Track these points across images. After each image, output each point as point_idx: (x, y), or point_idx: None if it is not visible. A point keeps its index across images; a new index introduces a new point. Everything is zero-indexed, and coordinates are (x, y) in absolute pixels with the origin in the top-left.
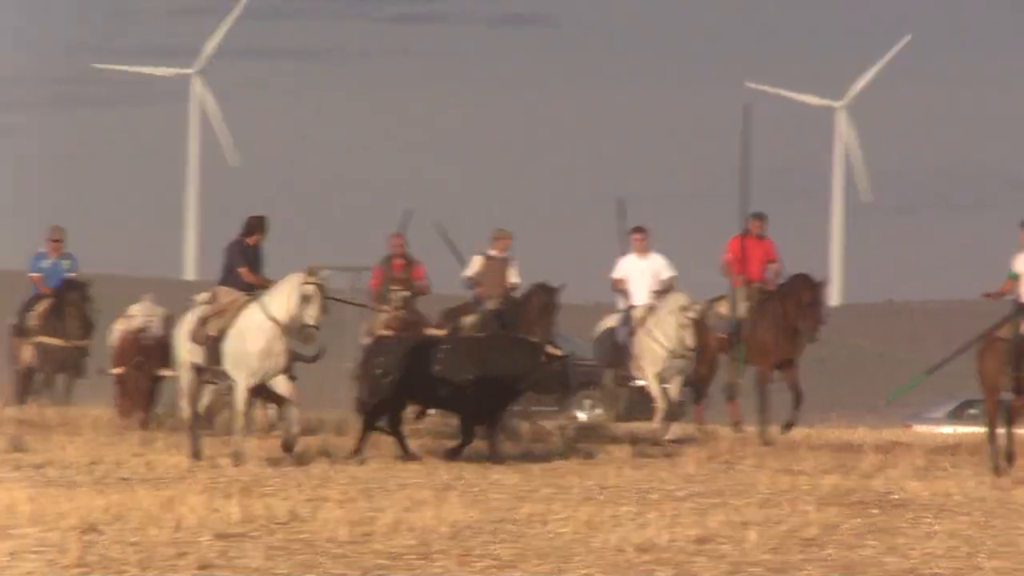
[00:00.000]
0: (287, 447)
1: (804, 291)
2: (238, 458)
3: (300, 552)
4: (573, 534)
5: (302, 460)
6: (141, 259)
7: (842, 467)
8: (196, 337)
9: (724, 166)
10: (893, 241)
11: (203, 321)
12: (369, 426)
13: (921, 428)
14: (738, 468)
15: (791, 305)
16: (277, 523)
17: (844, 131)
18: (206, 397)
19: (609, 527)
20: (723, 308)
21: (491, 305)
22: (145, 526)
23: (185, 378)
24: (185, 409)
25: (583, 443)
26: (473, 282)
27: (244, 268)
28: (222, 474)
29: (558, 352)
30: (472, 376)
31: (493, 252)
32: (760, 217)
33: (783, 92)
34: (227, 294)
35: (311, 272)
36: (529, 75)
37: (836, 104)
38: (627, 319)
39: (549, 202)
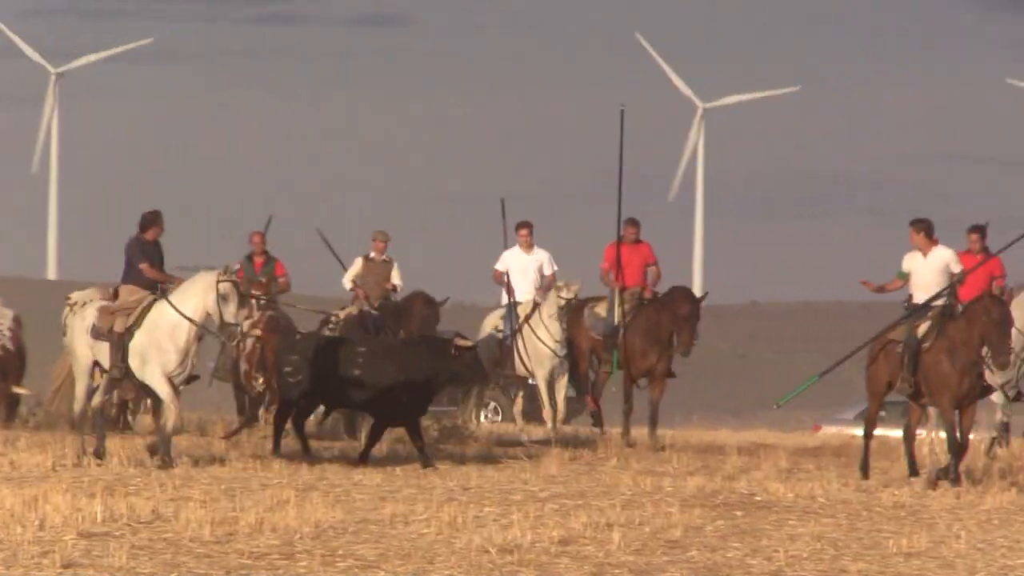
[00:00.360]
0: (153, 451)
1: (681, 304)
2: (163, 457)
3: (163, 551)
4: (436, 534)
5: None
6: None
7: (705, 469)
8: (98, 334)
9: (590, 167)
10: (754, 243)
11: (105, 318)
12: (280, 426)
13: (831, 429)
14: (601, 469)
15: (666, 317)
16: (141, 522)
17: (696, 133)
18: (98, 395)
19: (472, 528)
20: (601, 309)
21: (363, 307)
22: (9, 525)
23: (83, 376)
24: (78, 406)
25: (445, 444)
26: (353, 285)
27: (145, 264)
28: (86, 473)
29: (467, 343)
30: (391, 379)
31: (372, 254)
32: (634, 223)
33: (663, 64)
34: (130, 292)
35: (226, 270)
36: (387, 75)
37: (700, 103)
38: (511, 316)
39: (409, 201)
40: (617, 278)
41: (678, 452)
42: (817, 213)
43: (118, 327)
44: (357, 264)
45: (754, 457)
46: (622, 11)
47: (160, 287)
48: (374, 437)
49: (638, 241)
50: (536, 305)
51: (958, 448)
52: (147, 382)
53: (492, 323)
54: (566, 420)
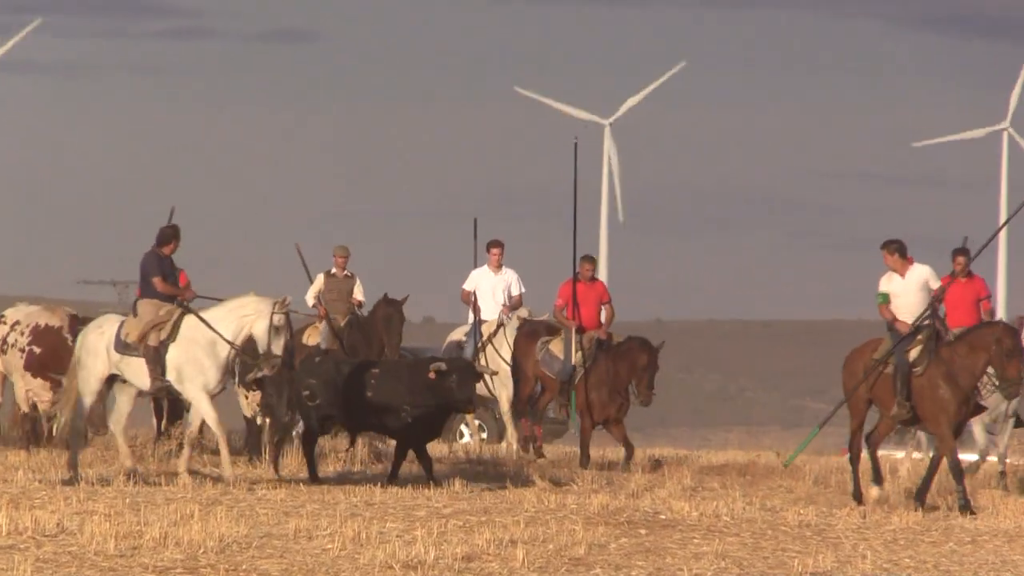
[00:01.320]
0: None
1: (639, 355)
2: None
3: (68, 565)
4: (340, 550)
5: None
6: None
7: (610, 486)
8: (125, 348)
9: (492, 182)
10: (659, 260)
11: (134, 332)
12: (310, 451)
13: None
14: (505, 486)
15: (624, 367)
16: (45, 535)
17: (608, 149)
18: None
19: (376, 543)
20: (556, 347)
21: (338, 323)
22: None
23: (92, 392)
24: (79, 420)
25: (350, 461)
26: (316, 302)
27: (158, 278)
28: None
29: (441, 367)
30: (410, 403)
31: (334, 270)
32: (590, 260)
33: (551, 102)
34: (155, 305)
35: (283, 302)
36: (294, 90)
37: (603, 121)
38: (475, 335)
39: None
40: (572, 316)
41: (582, 469)
42: (722, 230)
43: (152, 341)
44: (319, 281)
45: (658, 475)
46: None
47: (178, 300)
48: (400, 458)
49: (593, 279)
50: (500, 325)
51: (960, 473)
52: (187, 397)
53: (454, 339)
54: (546, 440)
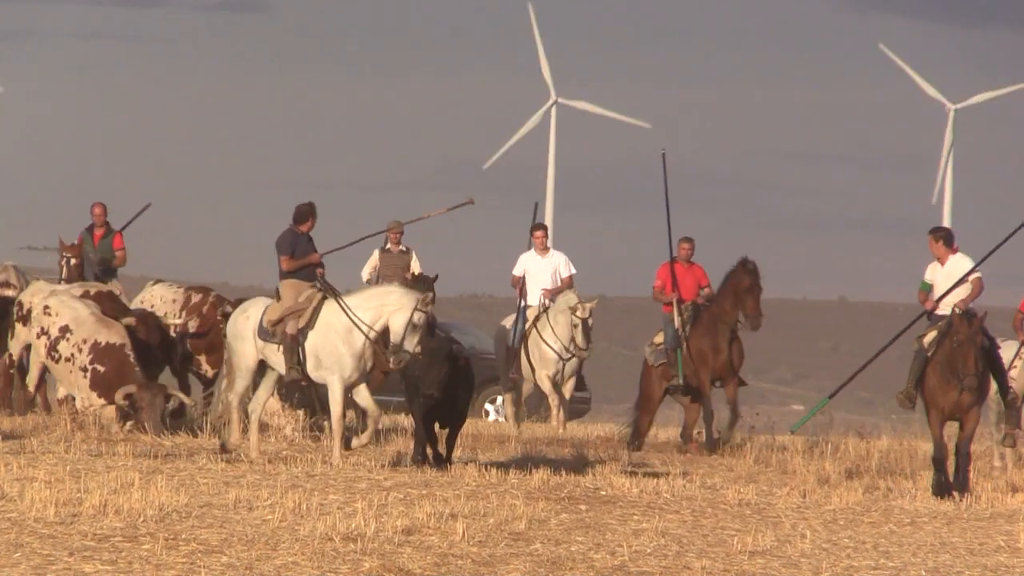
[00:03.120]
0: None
1: (741, 277)
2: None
3: (7, 531)
4: (280, 521)
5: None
6: None
7: (551, 462)
8: (266, 335)
9: (441, 156)
10: (604, 237)
11: (274, 320)
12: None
13: None
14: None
15: (728, 300)
16: None
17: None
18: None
19: (316, 515)
20: (658, 338)
21: None
22: None
23: (244, 376)
24: (235, 400)
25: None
26: (371, 280)
27: (285, 256)
28: None
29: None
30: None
31: (388, 245)
32: (689, 240)
33: (543, 60)
34: (295, 289)
35: (426, 301)
36: (246, 60)
37: (553, 97)
38: (520, 318)
39: (257, 189)
40: (673, 291)
41: (524, 444)
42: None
43: (290, 329)
44: (374, 257)
45: (600, 451)
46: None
47: (319, 283)
48: (452, 443)
49: (691, 262)
50: (545, 308)
51: (954, 458)
52: (323, 383)
53: (505, 324)
54: (568, 420)
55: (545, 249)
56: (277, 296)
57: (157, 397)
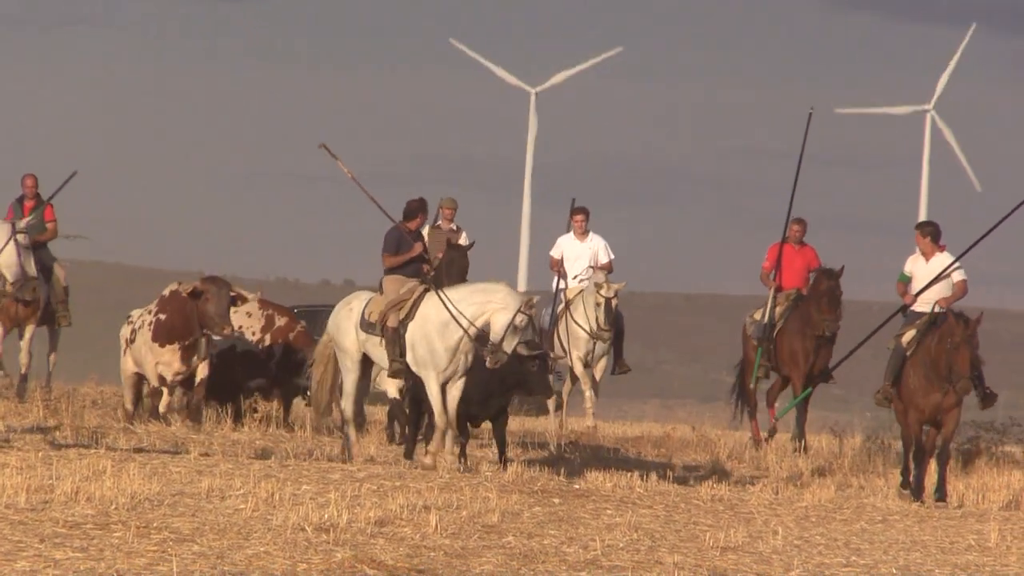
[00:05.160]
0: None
1: (820, 281)
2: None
3: None
4: (252, 511)
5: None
6: None
7: (525, 455)
8: (369, 328)
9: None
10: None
11: (376, 312)
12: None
13: None
14: (420, 452)
15: (812, 304)
16: None
17: (534, 120)
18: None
19: (289, 505)
20: (758, 314)
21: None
22: None
23: (352, 370)
24: (347, 402)
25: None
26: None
27: (386, 254)
28: None
29: (533, 351)
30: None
31: (440, 222)
32: (801, 222)
33: (483, 60)
34: (398, 283)
35: (530, 304)
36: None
37: (530, 89)
38: (554, 300)
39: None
40: (775, 278)
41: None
42: (646, 204)
43: (391, 322)
44: (424, 233)
45: (573, 445)
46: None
47: (424, 275)
48: (501, 438)
49: (803, 243)
50: (580, 291)
51: (921, 457)
52: (421, 376)
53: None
54: (529, 414)
55: (584, 233)
56: (380, 290)
57: (223, 288)
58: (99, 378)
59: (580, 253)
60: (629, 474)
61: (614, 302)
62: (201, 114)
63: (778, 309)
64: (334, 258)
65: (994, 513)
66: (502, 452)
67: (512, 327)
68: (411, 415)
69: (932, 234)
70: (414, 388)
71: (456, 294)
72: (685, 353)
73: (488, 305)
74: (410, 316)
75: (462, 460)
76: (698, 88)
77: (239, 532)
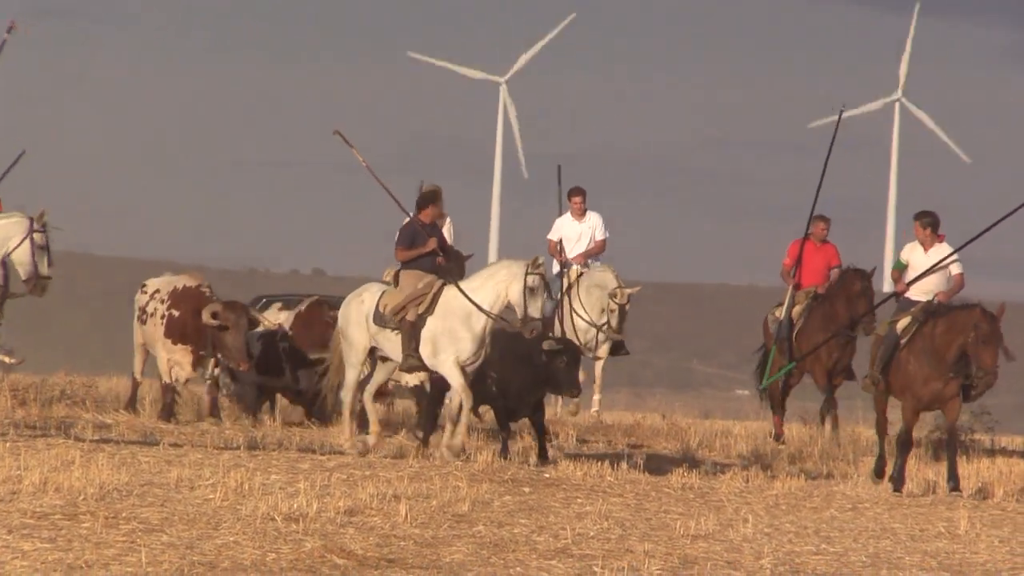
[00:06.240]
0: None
1: (853, 282)
2: (456, 453)
3: None
4: (221, 500)
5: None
6: None
7: (495, 444)
8: (383, 321)
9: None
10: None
11: (392, 306)
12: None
13: None
14: (391, 441)
15: (840, 303)
16: None
17: (506, 107)
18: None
19: (258, 495)
20: (779, 312)
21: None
22: None
23: (356, 364)
24: (348, 394)
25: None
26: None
27: (399, 248)
28: None
29: (554, 346)
30: (498, 372)
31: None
32: (824, 220)
33: (447, 65)
34: (416, 277)
35: (535, 263)
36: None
37: (499, 79)
38: (556, 282)
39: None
40: (795, 276)
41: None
42: (614, 192)
43: (410, 316)
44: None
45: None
46: None
47: (441, 270)
48: (540, 430)
49: (825, 241)
50: (580, 275)
51: (907, 448)
52: (439, 370)
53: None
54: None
55: (582, 214)
56: (395, 283)
57: (242, 317)
58: (69, 368)
59: (580, 233)
60: (600, 463)
61: (627, 307)
62: (168, 103)
63: (796, 308)
64: (303, 247)
65: (964, 501)
66: (542, 445)
67: (528, 291)
68: (429, 407)
69: (931, 224)
70: (437, 380)
71: (471, 285)
72: (656, 342)
73: (500, 285)
74: (430, 311)
75: (503, 455)
76: (662, 77)
77: (208, 522)
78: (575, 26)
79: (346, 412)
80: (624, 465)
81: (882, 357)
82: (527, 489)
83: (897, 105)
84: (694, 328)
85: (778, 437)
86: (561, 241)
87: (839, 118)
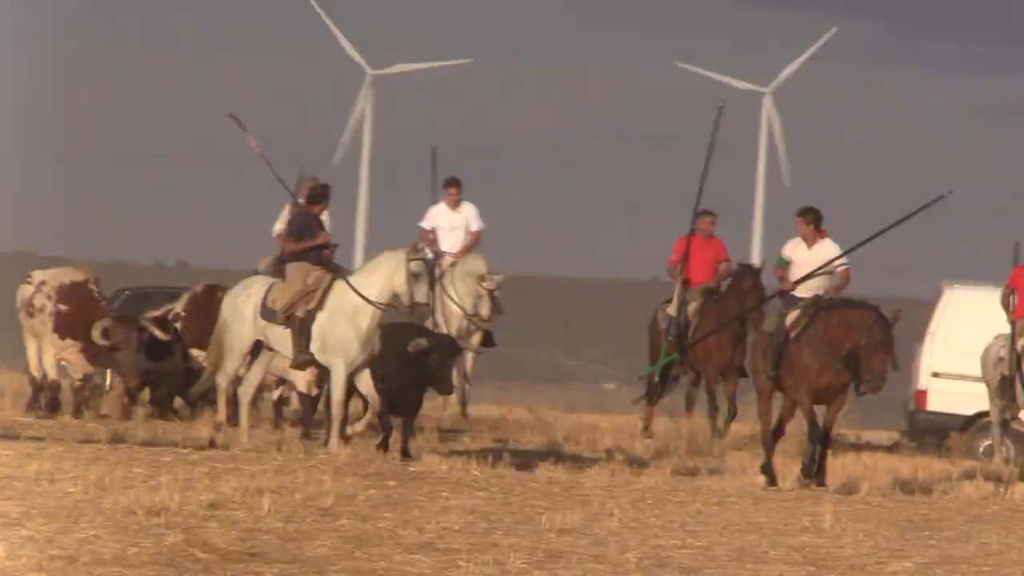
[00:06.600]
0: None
1: (744, 278)
2: (338, 445)
3: None
4: (83, 494)
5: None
6: None
7: (360, 438)
8: (271, 315)
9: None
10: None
11: (281, 301)
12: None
13: None
14: (254, 434)
15: (732, 299)
16: None
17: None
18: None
19: (120, 488)
20: (672, 308)
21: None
22: None
23: (237, 356)
24: (224, 381)
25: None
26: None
27: (289, 238)
28: None
29: (422, 345)
30: (381, 370)
31: (301, 201)
32: (709, 214)
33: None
34: (304, 271)
35: (416, 248)
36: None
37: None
38: (431, 275)
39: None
40: (682, 272)
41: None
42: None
43: (300, 313)
44: (285, 212)
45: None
46: None
47: (327, 261)
48: (408, 430)
49: (712, 236)
50: (452, 264)
51: (820, 438)
52: (328, 366)
53: None
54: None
55: (457, 204)
56: (282, 276)
57: (132, 332)
58: None
59: (454, 224)
60: (465, 456)
61: (497, 293)
62: (30, 94)
63: (692, 305)
64: (167, 240)
65: (829, 495)
66: (405, 444)
67: (412, 277)
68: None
69: (815, 221)
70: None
71: (359, 279)
72: (521, 335)
73: (384, 277)
74: (319, 306)
75: (383, 449)
76: (528, 70)
77: (69, 515)
78: (423, 13)
79: (220, 396)
80: (490, 458)
81: (773, 352)
82: (392, 483)
83: (766, 99)
84: (560, 321)
85: (646, 429)
86: (435, 230)
87: (718, 114)
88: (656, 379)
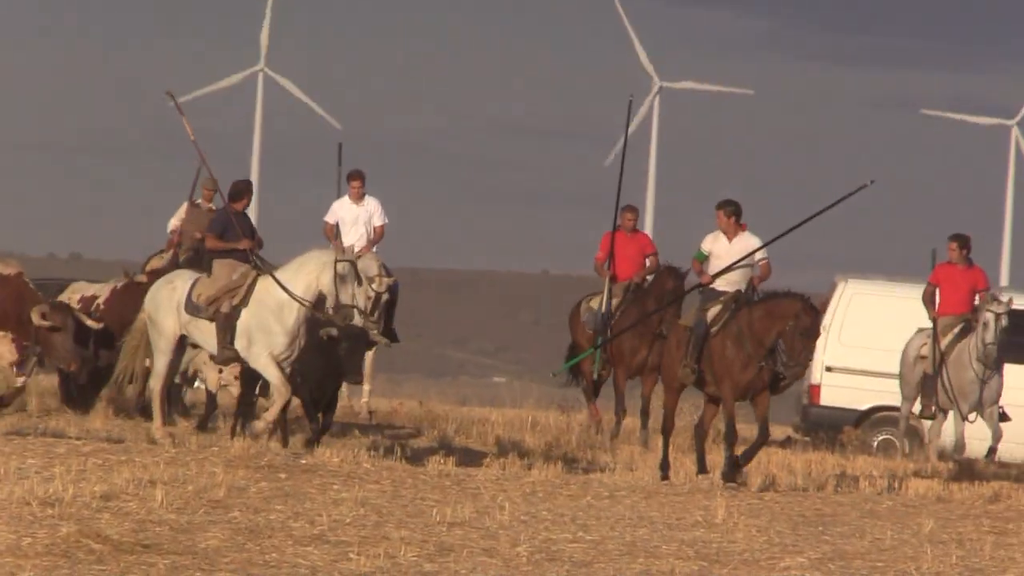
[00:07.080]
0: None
1: (665, 280)
2: (259, 436)
3: None
4: None
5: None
6: None
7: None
8: (195, 310)
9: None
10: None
11: (206, 296)
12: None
13: None
14: (144, 425)
15: (651, 300)
16: None
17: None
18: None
19: (14, 480)
20: (595, 303)
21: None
22: None
23: (166, 352)
24: (157, 382)
25: None
26: (174, 230)
27: (209, 235)
28: None
29: (331, 332)
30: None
31: (200, 200)
32: (632, 210)
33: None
34: (230, 267)
35: (343, 250)
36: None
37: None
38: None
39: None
40: (610, 267)
41: (229, 416)
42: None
43: (224, 308)
44: (181, 210)
45: (301, 422)
46: None
47: (253, 261)
48: (315, 419)
49: (635, 230)
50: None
51: (733, 439)
52: (253, 364)
53: None
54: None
55: (360, 198)
56: (208, 272)
57: (68, 318)
58: None
59: (356, 217)
60: (356, 449)
61: (384, 296)
62: None
63: (615, 301)
64: (59, 231)
65: (721, 490)
66: (318, 436)
67: (339, 279)
68: (243, 393)
69: (735, 213)
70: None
71: (284, 275)
72: (410, 328)
73: (310, 275)
74: (244, 302)
75: (314, 445)
76: (435, 62)
77: None
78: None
79: (156, 401)
80: (381, 451)
81: (694, 346)
82: (283, 475)
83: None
84: (448, 314)
85: (596, 426)
86: (338, 224)
87: (629, 107)
88: (591, 377)
